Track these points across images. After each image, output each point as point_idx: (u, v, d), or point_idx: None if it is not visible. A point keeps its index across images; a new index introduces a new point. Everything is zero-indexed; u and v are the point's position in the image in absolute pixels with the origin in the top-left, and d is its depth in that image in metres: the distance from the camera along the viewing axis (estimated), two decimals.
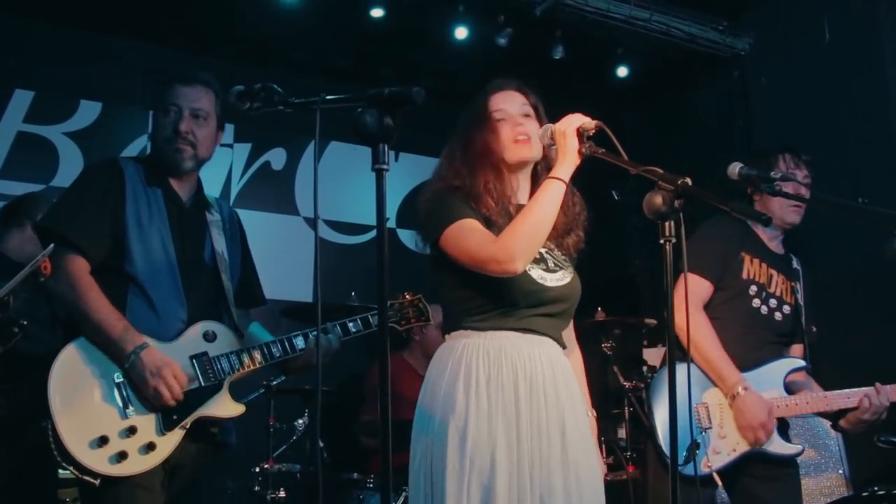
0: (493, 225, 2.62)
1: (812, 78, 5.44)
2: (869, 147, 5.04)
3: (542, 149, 2.73)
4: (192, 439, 2.82)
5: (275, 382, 4.62)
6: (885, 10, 5.17)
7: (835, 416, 3.54)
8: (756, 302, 3.58)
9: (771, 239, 3.72)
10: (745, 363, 3.47)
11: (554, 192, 2.55)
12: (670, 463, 2.28)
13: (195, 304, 2.92)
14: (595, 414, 2.87)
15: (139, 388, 2.71)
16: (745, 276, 3.59)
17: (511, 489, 2.44)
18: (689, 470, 3.22)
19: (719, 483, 3.34)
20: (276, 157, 6.25)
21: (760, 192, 3.56)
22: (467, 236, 2.56)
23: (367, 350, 5.72)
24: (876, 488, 3.80)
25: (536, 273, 2.63)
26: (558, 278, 2.67)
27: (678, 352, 3.57)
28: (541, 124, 2.74)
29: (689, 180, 2.28)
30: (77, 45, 5.59)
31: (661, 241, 2.33)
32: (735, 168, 3.46)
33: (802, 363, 3.59)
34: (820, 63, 5.40)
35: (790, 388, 3.53)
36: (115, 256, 2.83)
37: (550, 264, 2.68)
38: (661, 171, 2.34)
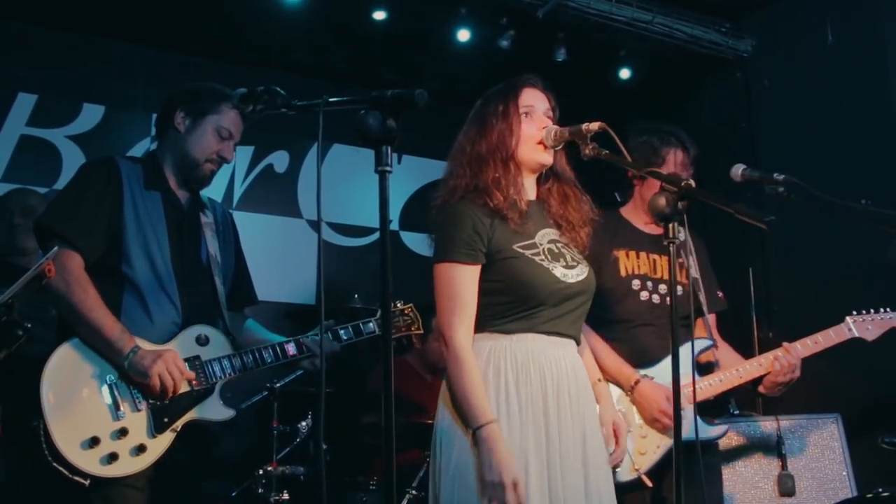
0: (503, 218, 2.62)
1: (815, 80, 5.44)
2: (872, 149, 5.03)
3: (553, 154, 2.73)
4: (183, 444, 2.82)
5: (278, 385, 4.62)
6: (888, 12, 5.16)
7: (754, 385, 3.51)
8: (644, 294, 3.52)
9: (648, 222, 3.64)
10: (650, 357, 3.44)
11: (465, 417, 2.50)
12: (674, 468, 2.28)
13: (189, 309, 2.93)
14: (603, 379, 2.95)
15: (140, 383, 2.71)
16: (623, 273, 3.54)
17: (542, 494, 2.45)
18: (617, 477, 3.14)
19: (649, 484, 3.28)
20: (279, 160, 6.25)
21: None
22: (445, 289, 2.60)
23: (370, 352, 5.73)
24: (880, 489, 3.79)
25: (559, 271, 2.63)
26: (577, 273, 2.68)
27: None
28: None
29: (692, 182, 2.29)
30: (79, 48, 5.60)
31: (665, 243, 2.35)
32: (738, 170, 3.45)
33: (709, 342, 3.53)
34: (823, 65, 5.39)
35: (705, 369, 3.51)
36: (112, 256, 2.84)
37: (569, 259, 2.69)
38: (664, 172, 2.35)
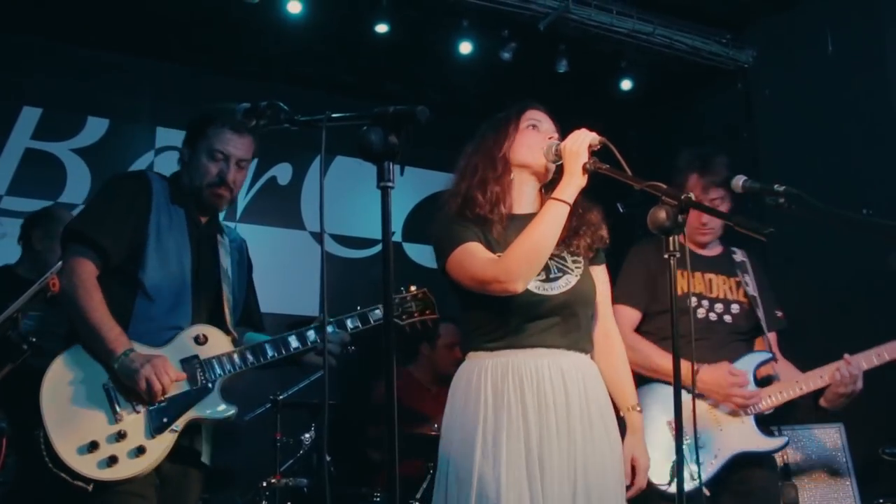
0: (489, 226, 2.66)
1: (815, 90, 5.45)
2: (873, 158, 5.04)
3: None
4: (182, 459, 2.86)
5: (281, 397, 4.63)
6: (888, 22, 5.17)
7: (814, 399, 3.51)
8: (700, 312, 3.58)
9: (701, 246, 3.71)
10: None
11: (555, 214, 2.57)
12: (676, 480, 2.29)
13: (200, 317, 2.98)
14: (639, 408, 2.86)
15: (128, 385, 2.74)
16: (679, 292, 3.56)
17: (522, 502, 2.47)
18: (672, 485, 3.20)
19: (707, 493, 3.30)
20: (282, 172, 6.27)
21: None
22: (470, 260, 2.60)
23: (372, 364, 5.74)
24: (882, 500, 3.79)
25: (534, 284, 2.63)
26: (561, 285, 2.67)
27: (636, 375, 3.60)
28: None
29: (692, 195, 2.31)
30: (84, 62, 5.62)
31: (665, 256, 2.36)
32: (739, 181, 3.46)
33: (768, 355, 3.55)
34: (823, 75, 5.41)
35: (763, 383, 3.52)
36: (131, 263, 2.89)
37: (553, 272, 2.68)
38: (664, 186, 2.36)
